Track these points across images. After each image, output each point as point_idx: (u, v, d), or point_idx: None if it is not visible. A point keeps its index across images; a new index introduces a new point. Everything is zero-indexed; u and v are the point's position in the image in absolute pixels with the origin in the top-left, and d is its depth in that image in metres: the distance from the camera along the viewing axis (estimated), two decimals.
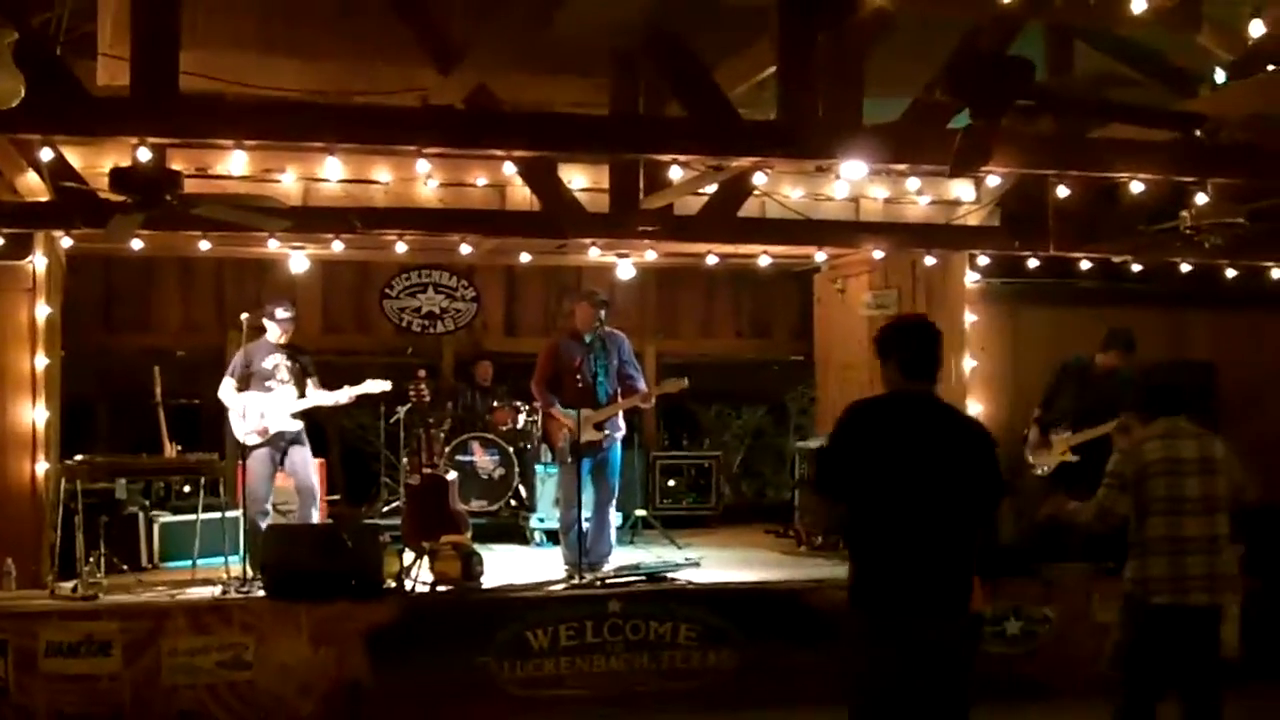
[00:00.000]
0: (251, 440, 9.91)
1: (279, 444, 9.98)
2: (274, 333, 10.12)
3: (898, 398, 5.23)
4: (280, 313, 10.09)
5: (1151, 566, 6.45)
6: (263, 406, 9.92)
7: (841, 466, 5.16)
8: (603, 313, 10.00)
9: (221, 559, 9.29)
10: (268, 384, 9.98)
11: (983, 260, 10.61)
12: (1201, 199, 8.46)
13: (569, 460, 9.91)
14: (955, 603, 5.11)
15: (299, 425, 10.07)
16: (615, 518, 10.40)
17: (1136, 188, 8.45)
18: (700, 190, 9.51)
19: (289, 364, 10.09)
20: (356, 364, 11.19)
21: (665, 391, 10.52)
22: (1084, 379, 9.93)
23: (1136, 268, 10.64)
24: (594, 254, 10.88)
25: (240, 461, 9.85)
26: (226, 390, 9.99)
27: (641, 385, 10.14)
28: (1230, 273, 10.72)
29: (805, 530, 11.60)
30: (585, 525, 9.81)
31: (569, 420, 9.81)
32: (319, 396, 10.10)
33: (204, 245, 9.86)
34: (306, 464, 10.12)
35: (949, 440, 5.19)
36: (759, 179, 8.88)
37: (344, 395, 10.22)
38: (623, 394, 10.05)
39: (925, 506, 5.06)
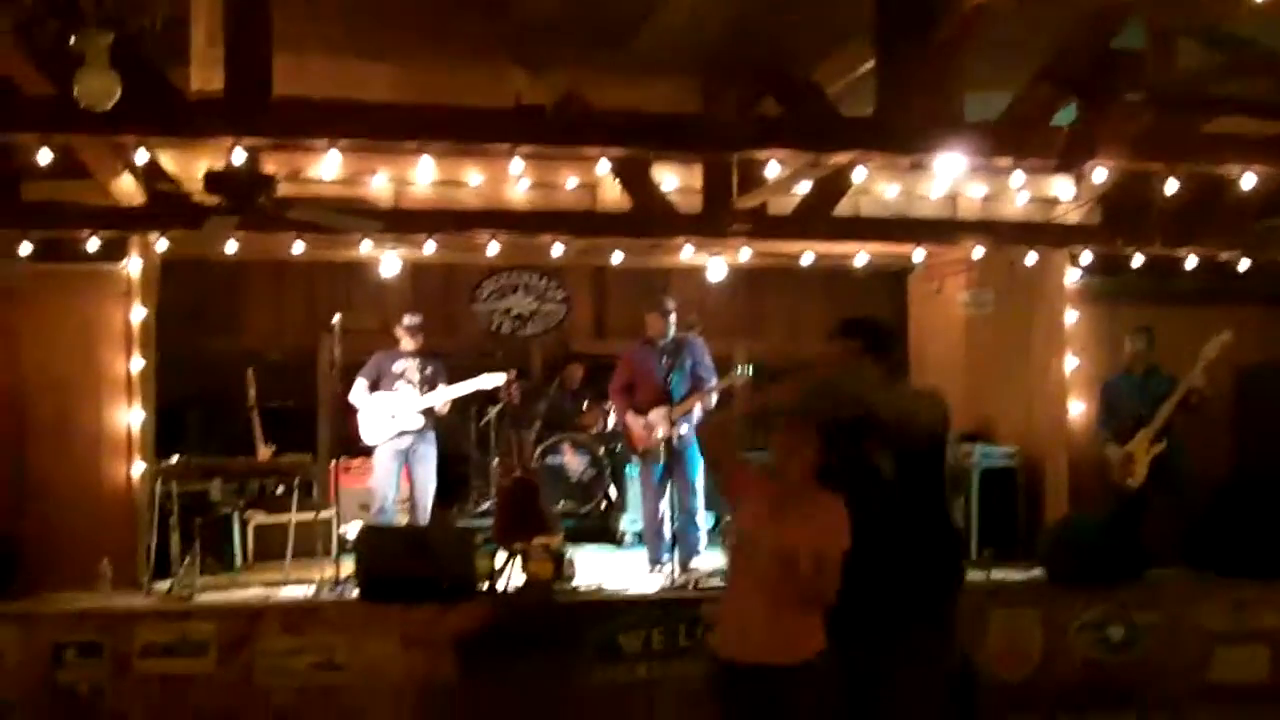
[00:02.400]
0: (378, 439, 10.28)
1: (405, 443, 10.35)
2: (406, 342, 10.56)
3: None
4: (407, 319, 10.61)
5: None
6: (391, 406, 10.28)
7: None
8: (672, 319, 10.05)
9: (315, 560, 9.30)
10: (395, 386, 10.39)
11: (1084, 258, 10.37)
12: None
13: (643, 462, 10.14)
14: None
15: (422, 422, 10.39)
16: (706, 519, 10.30)
17: (1247, 182, 8.20)
18: (794, 190, 9.39)
19: (419, 368, 10.48)
20: (445, 367, 11.17)
21: (729, 384, 10.34)
22: (1126, 382, 9.92)
23: (1244, 265, 10.34)
24: (686, 254, 10.78)
25: (333, 462, 9.94)
26: (358, 392, 10.40)
27: (712, 382, 10.09)
28: None
29: None
30: (672, 525, 9.85)
31: (637, 424, 10.02)
32: (441, 392, 10.43)
33: (298, 248, 9.88)
34: (428, 471, 10.50)
35: None
36: (858, 175, 8.73)
37: (464, 389, 10.59)
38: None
39: None
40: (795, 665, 5.03)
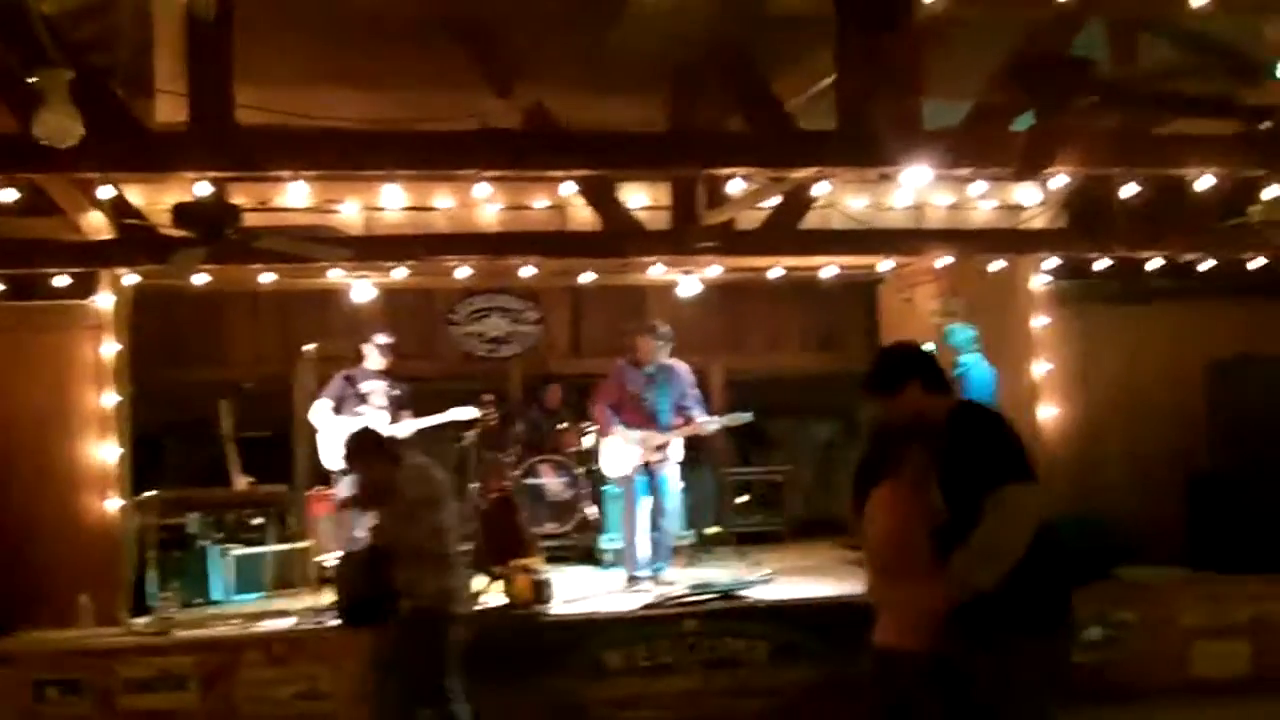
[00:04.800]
0: (342, 465, 10.00)
1: None
2: (375, 360, 10.35)
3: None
4: (380, 339, 10.39)
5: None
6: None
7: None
8: (662, 344, 10.06)
9: (294, 590, 9.31)
10: (359, 410, 10.13)
11: (1050, 263, 10.43)
12: (1270, 192, 8.29)
13: (632, 478, 10.16)
14: None
15: None
16: (674, 536, 10.63)
17: (1204, 183, 8.26)
18: (761, 204, 9.44)
19: (388, 390, 10.26)
20: (422, 390, 11.17)
21: (727, 425, 10.49)
22: None
23: (1206, 264, 10.42)
24: (657, 271, 10.83)
25: (309, 492, 9.91)
26: (322, 412, 10.14)
27: (698, 416, 10.19)
28: None
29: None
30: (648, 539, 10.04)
31: (630, 444, 10.08)
32: (409, 423, 10.24)
33: (267, 278, 9.90)
34: None
35: None
36: (820, 189, 8.79)
37: (431, 421, 10.43)
38: (683, 424, 10.23)
39: None
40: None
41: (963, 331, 10.17)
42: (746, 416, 10.55)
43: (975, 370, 9.98)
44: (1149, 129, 8.02)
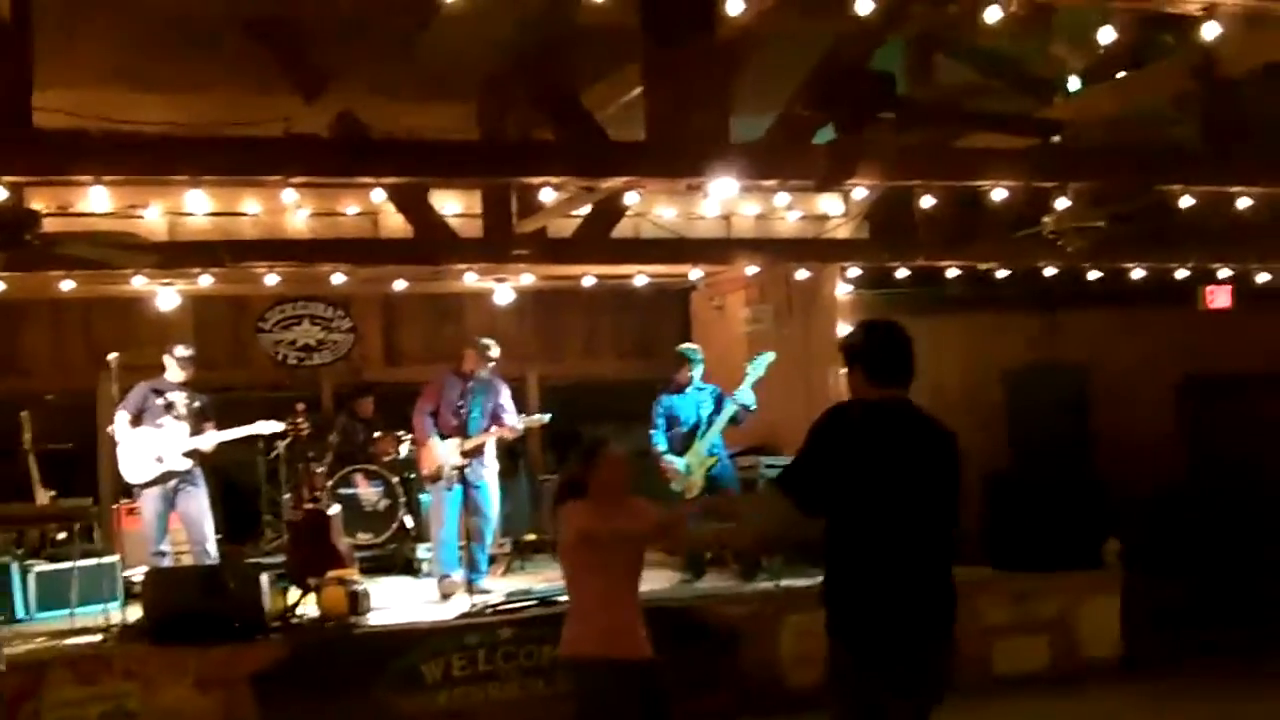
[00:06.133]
0: (141, 479, 9.82)
1: (171, 483, 9.89)
2: (174, 371, 10.05)
3: (872, 405, 4.87)
4: (179, 350, 10.08)
5: None
6: (155, 444, 9.77)
7: (817, 470, 4.72)
8: (489, 363, 10.08)
9: (100, 607, 9.07)
10: (160, 421, 9.88)
11: (853, 272, 10.72)
12: (1062, 203, 8.67)
13: (440, 486, 10.12)
14: (944, 625, 4.93)
15: (190, 464, 9.96)
16: (491, 544, 10.66)
17: (999, 195, 8.60)
18: (574, 213, 9.53)
19: (186, 402, 10.01)
20: (233, 400, 10.98)
21: (529, 425, 10.58)
22: (679, 398, 10.47)
23: (1003, 273, 10.83)
24: (470, 279, 10.83)
25: (115, 505, 9.66)
26: (120, 424, 9.86)
27: (509, 420, 10.24)
28: (1094, 274, 10.94)
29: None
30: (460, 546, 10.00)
31: (437, 452, 10.05)
32: (211, 436, 10.00)
33: (67, 285, 9.64)
34: (200, 507, 10.04)
35: (923, 452, 4.86)
36: (631, 199, 8.94)
37: (235, 434, 10.21)
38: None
39: (908, 523, 4.73)
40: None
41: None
42: (544, 418, 10.68)
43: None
44: (946, 143, 8.32)
